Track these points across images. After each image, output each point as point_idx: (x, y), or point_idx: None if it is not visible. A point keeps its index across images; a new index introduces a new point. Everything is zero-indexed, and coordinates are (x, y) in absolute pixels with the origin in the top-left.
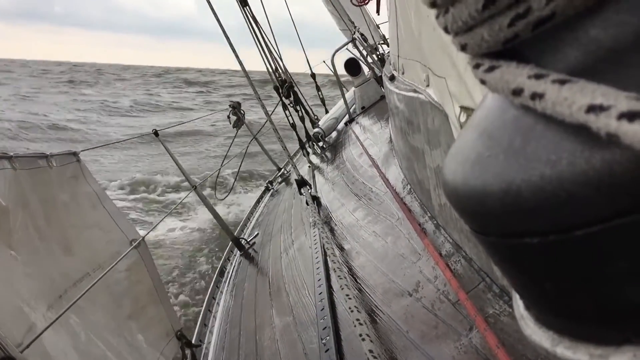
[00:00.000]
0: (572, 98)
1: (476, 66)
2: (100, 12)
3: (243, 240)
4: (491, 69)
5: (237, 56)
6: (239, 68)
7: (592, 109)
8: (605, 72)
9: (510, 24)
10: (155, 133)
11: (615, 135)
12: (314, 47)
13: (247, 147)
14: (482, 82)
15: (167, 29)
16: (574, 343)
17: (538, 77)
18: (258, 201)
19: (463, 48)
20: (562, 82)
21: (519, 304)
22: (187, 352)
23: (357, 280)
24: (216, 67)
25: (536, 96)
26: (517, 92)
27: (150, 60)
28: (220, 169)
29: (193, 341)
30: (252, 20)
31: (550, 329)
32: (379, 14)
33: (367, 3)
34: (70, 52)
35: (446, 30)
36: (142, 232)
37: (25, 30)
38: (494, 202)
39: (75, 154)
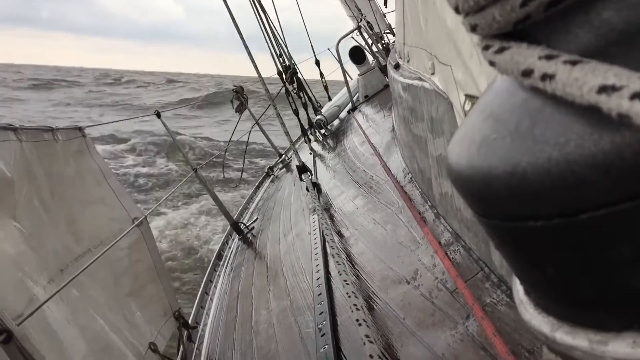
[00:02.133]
0: (584, 79)
1: (486, 47)
2: (87, 16)
3: (242, 225)
4: (501, 50)
5: (242, 39)
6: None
7: (603, 89)
8: (617, 54)
9: (522, 4)
10: (158, 114)
11: (627, 115)
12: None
13: (250, 132)
14: (492, 63)
15: (154, 33)
16: (574, 328)
17: (549, 58)
18: (258, 186)
19: (473, 29)
20: (574, 63)
21: (518, 289)
22: (184, 332)
23: (356, 266)
24: (196, 72)
25: (546, 77)
26: (527, 73)
27: (137, 64)
28: (225, 154)
29: (190, 322)
30: (257, 5)
31: (550, 315)
32: (386, 7)
33: None
34: (57, 56)
35: (457, 10)
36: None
37: (11, 34)
38: (499, 184)
39: (80, 129)
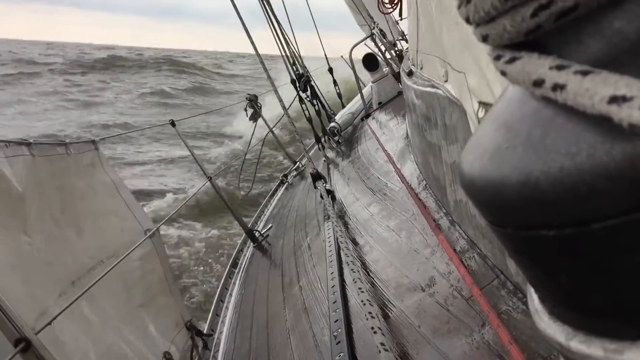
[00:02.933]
0: (595, 89)
1: (497, 58)
2: None
3: (257, 232)
4: (512, 60)
5: (254, 47)
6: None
7: (614, 99)
8: (628, 64)
9: (533, 15)
10: (172, 123)
11: (638, 126)
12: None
13: (264, 140)
14: (503, 73)
15: (163, 10)
16: (589, 337)
17: (560, 68)
18: (272, 194)
19: (484, 39)
20: (585, 73)
21: (533, 297)
22: (199, 341)
23: (370, 274)
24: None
25: (557, 87)
26: (538, 83)
27: (146, 41)
28: (242, 164)
29: (205, 331)
30: (270, 13)
31: (565, 323)
32: (401, 19)
33: (394, 10)
34: (63, 32)
35: (468, 20)
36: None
37: (21, 9)
38: (511, 193)
39: (94, 142)
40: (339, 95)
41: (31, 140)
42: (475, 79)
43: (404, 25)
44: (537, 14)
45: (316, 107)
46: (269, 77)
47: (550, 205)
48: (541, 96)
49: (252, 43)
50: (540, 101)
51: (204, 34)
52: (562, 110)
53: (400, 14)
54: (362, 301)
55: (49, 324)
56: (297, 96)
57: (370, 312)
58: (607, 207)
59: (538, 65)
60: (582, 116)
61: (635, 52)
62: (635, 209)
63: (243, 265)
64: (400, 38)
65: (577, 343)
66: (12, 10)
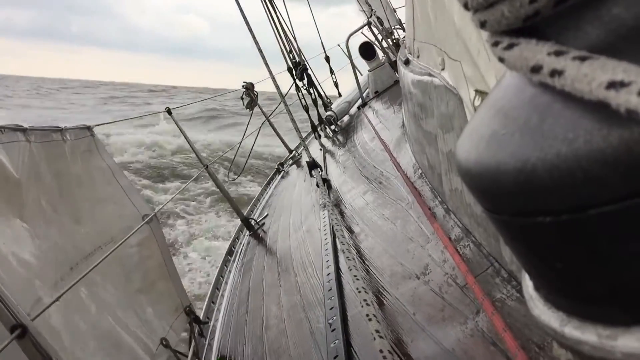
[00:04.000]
0: (593, 74)
1: (495, 44)
2: (116, 31)
3: (252, 221)
4: (510, 46)
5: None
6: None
7: (612, 85)
8: (626, 50)
9: (531, 1)
10: (169, 111)
11: (635, 111)
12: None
13: (260, 128)
14: (501, 59)
15: (178, 48)
16: (583, 323)
17: (558, 54)
18: (269, 182)
19: (482, 25)
20: (583, 59)
21: (528, 284)
22: (195, 328)
23: (365, 262)
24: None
25: (555, 73)
26: (536, 69)
27: (159, 78)
28: (237, 151)
29: (201, 318)
30: (267, 1)
31: (559, 310)
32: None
33: None
34: (85, 70)
35: (466, 6)
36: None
37: (41, 49)
38: (508, 180)
39: (89, 128)
40: (336, 84)
41: (27, 126)
42: (471, 68)
43: (401, 14)
44: (536, 0)
45: (313, 95)
46: (266, 64)
47: (547, 191)
48: (539, 82)
49: (250, 30)
50: (537, 87)
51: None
52: (560, 96)
53: None
54: (357, 289)
55: (46, 309)
56: (294, 84)
57: (365, 300)
58: (604, 193)
59: (536, 51)
60: (580, 102)
61: (633, 38)
62: (631, 194)
63: (239, 253)
64: (398, 26)
65: (571, 329)
66: (35, 49)
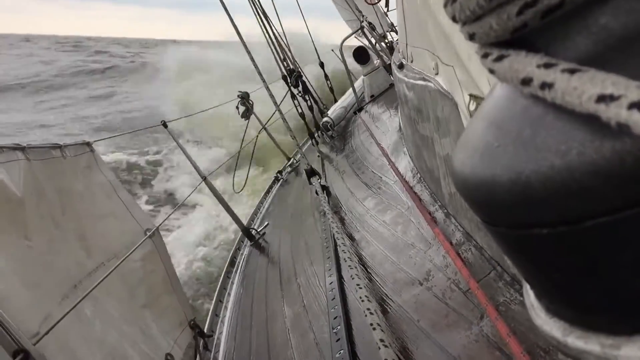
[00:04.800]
0: (582, 88)
1: (485, 55)
2: None
3: (253, 231)
4: (500, 58)
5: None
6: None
7: (602, 98)
8: (615, 61)
9: (519, 13)
10: (164, 124)
11: (626, 125)
12: None
13: (257, 137)
14: (491, 71)
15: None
16: (586, 333)
17: (547, 66)
18: (268, 191)
19: (471, 37)
20: (572, 72)
21: (529, 293)
22: (200, 341)
23: (368, 269)
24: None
25: (545, 86)
26: (527, 81)
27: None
28: (237, 162)
29: (205, 331)
30: (260, 11)
31: (562, 319)
32: (387, 8)
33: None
34: (97, 27)
35: (454, 19)
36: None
37: (58, 6)
38: (503, 192)
39: (89, 144)
40: (331, 89)
41: (25, 145)
42: (464, 72)
43: (393, 17)
44: (523, 11)
45: (308, 102)
46: (259, 73)
47: (542, 203)
48: (530, 94)
49: (242, 40)
50: (529, 99)
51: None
52: (551, 108)
53: (387, 5)
54: (360, 297)
55: (49, 331)
56: (289, 92)
57: (368, 309)
58: (599, 205)
59: (525, 64)
60: (571, 114)
61: (621, 48)
62: (626, 206)
63: (241, 264)
64: (390, 30)
65: (574, 339)
66: (48, 7)
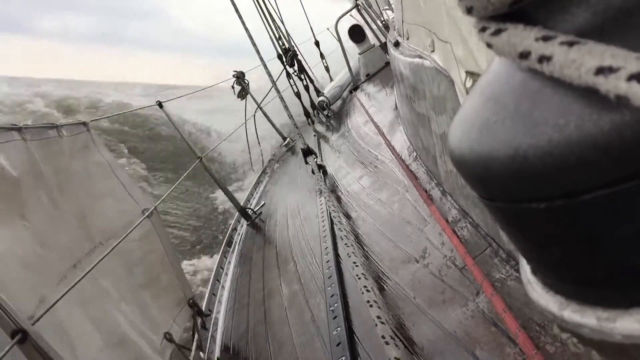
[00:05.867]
0: (581, 60)
1: (482, 29)
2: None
3: (250, 210)
4: (498, 32)
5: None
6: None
7: (601, 70)
8: (614, 33)
9: None
10: (160, 105)
11: (625, 97)
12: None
13: (254, 115)
14: (489, 45)
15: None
16: (582, 307)
17: (546, 39)
18: (264, 171)
19: (469, 11)
20: (570, 44)
21: (525, 268)
22: (198, 320)
23: (364, 247)
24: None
25: (544, 59)
26: (525, 55)
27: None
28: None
29: (203, 310)
30: None
31: (558, 293)
32: None
33: None
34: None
35: None
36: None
37: (99, 54)
38: (501, 167)
39: (85, 124)
40: (327, 68)
41: (21, 125)
42: (461, 49)
43: None
44: None
45: (304, 81)
46: (257, 51)
47: (540, 178)
48: (528, 68)
49: (240, 17)
50: (527, 73)
51: None
52: (549, 81)
53: None
54: (357, 275)
55: (48, 310)
56: (284, 71)
57: (365, 286)
58: (597, 178)
59: (523, 37)
60: (570, 87)
61: (620, 20)
62: (625, 178)
63: (237, 244)
64: (387, 7)
65: (570, 312)
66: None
